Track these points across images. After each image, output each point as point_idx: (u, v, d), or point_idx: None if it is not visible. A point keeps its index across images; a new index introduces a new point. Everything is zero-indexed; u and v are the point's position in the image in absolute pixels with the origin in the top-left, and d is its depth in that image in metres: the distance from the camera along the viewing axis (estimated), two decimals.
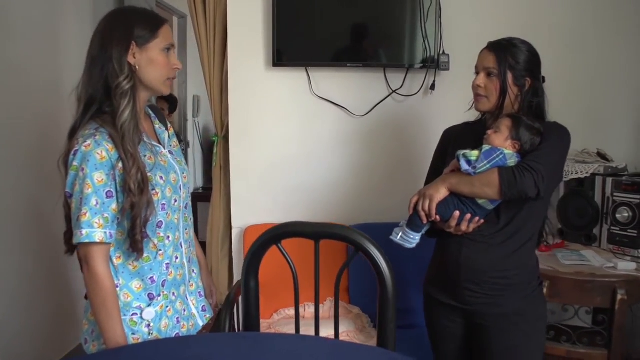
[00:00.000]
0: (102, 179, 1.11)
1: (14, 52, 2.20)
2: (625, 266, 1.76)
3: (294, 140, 2.27)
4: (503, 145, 1.32)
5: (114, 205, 1.13)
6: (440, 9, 2.13)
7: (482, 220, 1.35)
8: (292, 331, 1.66)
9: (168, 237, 1.23)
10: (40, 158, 2.31)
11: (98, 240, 1.10)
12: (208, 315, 1.38)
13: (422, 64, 2.17)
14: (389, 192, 2.24)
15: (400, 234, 1.40)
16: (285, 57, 2.16)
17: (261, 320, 1.17)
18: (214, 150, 2.50)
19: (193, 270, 1.35)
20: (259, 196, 2.29)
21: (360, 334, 1.93)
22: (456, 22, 2.17)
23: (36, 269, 2.33)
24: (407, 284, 1.86)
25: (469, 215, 1.33)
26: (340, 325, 1.24)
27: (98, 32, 1.18)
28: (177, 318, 1.26)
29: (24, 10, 2.27)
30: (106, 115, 1.15)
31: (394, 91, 2.23)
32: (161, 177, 1.21)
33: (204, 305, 1.37)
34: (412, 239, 1.39)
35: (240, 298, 1.75)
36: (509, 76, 1.35)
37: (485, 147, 1.31)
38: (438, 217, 1.34)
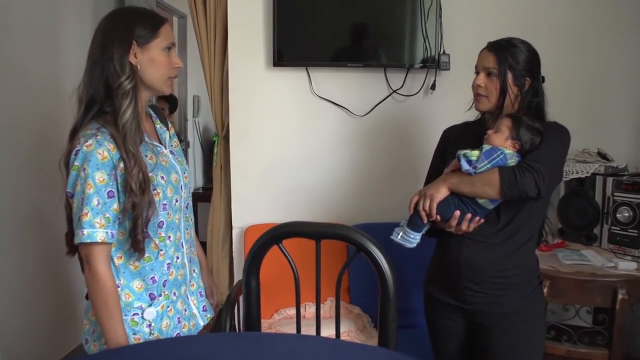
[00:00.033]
0: (104, 179, 1.11)
1: (14, 52, 2.20)
2: (626, 266, 1.76)
3: (294, 140, 2.27)
4: (503, 145, 1.32)
5: (115, 205, 1.13)
6: (440, 8, 2.13)
7: (482, 220, 1.35)
8: (293, 331, 1.66)
9: (169, 237, 1.23)
10: (40, 158, 2.31)
11: (99, 240, 1.10)
12: (209, 315, 1.38)
13: (422, 64, 2.17)
14: (389, 191, 2.24)
15: (401, 233, 1.41)
16: (285, 57, 2.16)
17: (262, 320, 1.17)
18: (215, 150, 2.50)
19: (194, 270, 1.35)
20: (260, 196, 2.29)
21: (361, 334, 1.93)
22: (456, 22, 2.17)
23: (36, 269, 2.33)
24: (407, 284, 1.86)
25: (469, 215, 1.33)
26: (341, 325, 1.24)
27: (98, 32, 1.18)
28: (178, 318, 1.26)
29: (24, 10, 2.27)
30: (107, 115, 1.15)
31: (394, 91, 2.23)
32: (162, 177, 1.21)
33: (204, 305, 1.37)
34: (413, 239, 1.39)
35: (240, 298, 1.75)
36: (509, 76, 1.35)
37: (486, 147, 1.31)
38: (438, 216, 1.34)
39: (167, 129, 1.34)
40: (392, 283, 1.02)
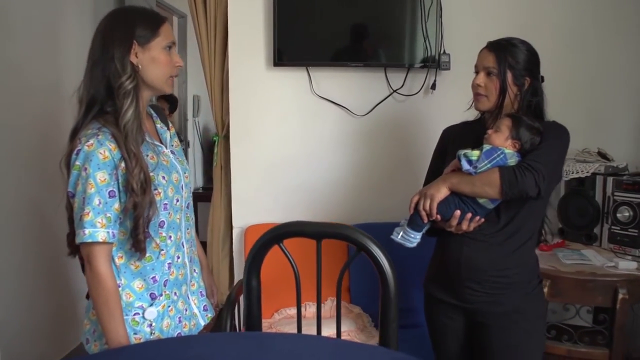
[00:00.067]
0: (105, 179, 1.11)
1: (14, 52, 2.20)
2: (626, 265, 1.76)
3: (294, 140, 2.27)
4: (503, 144, 1.32)
5: (116, 205, 1.13)
6: (441, 8, 2.14)
7: (482, 220, 1.35)
8: (293, 330, 1.66)
9: (170, 236, 1.23)
10: (40, 159, 2.31)
11: (101, 240, 1.10)
12: (209, 315, 1.38)
13: (422, 64, 2.17)
14: (390, 191, 2.24)
15: (401, 233, 1.41)
16: (285, 56, 2.16)
17: (262, 320, 1.16)
18: (215, 150, 2.50)
19: (194, 270, 1.35)
20: (260, 196, 2.29)
21: (361, 334, 1.94)
22: (457, 22, 2.17)
23: (37, 268, 2.33)
24: (408, 284, 1.86)
25: (469, 215, 1.33)
26: (341, 324, 1.24)
27: (99, 32, 1.18)
28: (179, 318, 1.26)
29: (24, 10, 2.26)
30: (108, 115, 1.15)
31: (394, 91, 2.23)
32: (163, 177, 1.21)
33: (205, 305, 1.37)
34: (413, 238, 1.39)
35: (241, 297, 1.75)
36: (509, 75, 1.36)
37: (486, 147, 1.32)
38: (439, 216, 1.34)
39: (168, 129, 1.34)
40: (393, 283, 1.02)
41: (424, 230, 1.40)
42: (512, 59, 1.35)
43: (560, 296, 1.73)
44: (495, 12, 2.19)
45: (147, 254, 1.17)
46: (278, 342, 0.95)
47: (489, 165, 1.29)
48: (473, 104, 1.44)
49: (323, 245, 1.07)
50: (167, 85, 1.23)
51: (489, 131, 1.36)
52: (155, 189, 1.17)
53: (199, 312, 1.34)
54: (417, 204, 1.37)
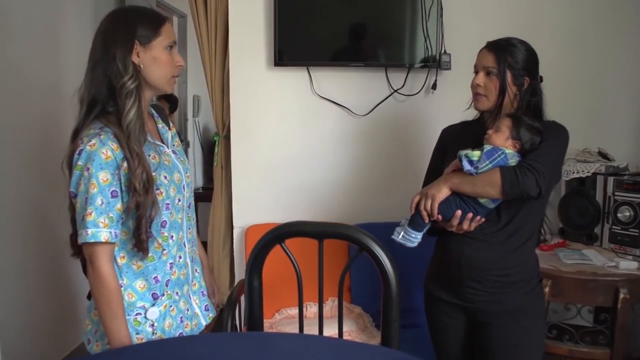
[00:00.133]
0: (107, 179, 1.10)
1: (14, 52, 2.20)
2: (627, 265, 1.77)
3: (295, 140, 2.27)
4: (504, 144, 1.32)
5: (118, 205, 1.13)
6: (441, 8, 2.14)
7: (483, 219, 1.35)
8: (295, 330, 1.66)
9: (172, 236, 1.23)
10: (41, 159, 2.30)
11: (103, 240, 1.10)
12: (211, 315, 1.38)
13: (423, 64, 2.17)
14: (390, 191, 2.24)
15: (402, 233, 1.41)
16: (286, 56, 2.16)
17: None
18: (215, 150, 2.50)
19: (196, 270, 1.35)
20: (261, 196, 2.29)
21: (362, 334, 1.94)
22: (457, 22, 2.17)
23: (37, 269, 2.33)
24: (409, 283, 1.86)
25: (470, 214, 1.33)
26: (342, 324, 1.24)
27: (100, 32, 1.18)
28: (181, 317, 1.26)
29: (24, 10, 2.26)
30: (110, 115, 1.14)
31: (395, 91, 2.23)
32: (165, 177, 1.21)
33: (206, 305, 1.37)
34: (414, 238, 1.39)
35: (242, 297, 1.75)
36: (508, 75, 1.36)
37: (487, 147, 1.32)
38: (440, 216, 1.34)
39: (169, 129, 1.34)
40: (395, 282, 1.02)
41: (424, 230, 1.40)
42: (511, 59, 1.36)
43: (562, 296, 1.74)
44: (496, 12, 2.19)
45: (149, 254, 1.17)
46: (280, 342, 0.95)
47: (490, 166, 1.29)
48: (472, 104, 1.44)
49: (323, 245, 1.07)
50: (168, 85, 1.23)
51: (490, 131, 1.36)
52: (157, 189, 1.17)
53: (201, 312, 1.34)
54: (418, 204, 1.37)
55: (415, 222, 1.38)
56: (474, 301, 1.39)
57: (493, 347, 1.39)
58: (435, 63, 2.16)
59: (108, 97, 1.15)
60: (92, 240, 1.09)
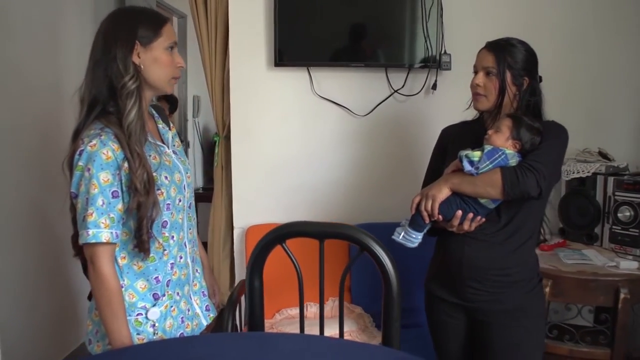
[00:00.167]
0: (108, 179, 1.10)
1: (14, 52, 2.19)
2: (628, 265, 1.77)
3: (295, 140, 2.27)
4: (504, 145, 1.32)
5: (119, 205, 1.13)
6: (441, 8, 2.14)
7: (483, 219, 1.35)
8: (295, 331, 1.66)
9: (172, 236, 1.23)
10: (41, 159, 2.30)
11: (104, 241, 1.10)
12: (212, 315, 1.38)
13: (423, 64, 2.17)
14: (391, 191, 2.24)
15: (403, 233, 1.41)
16: (286, 57, 2.16)
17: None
18: (216, 151, 2.50)
19: (197, 270, 1.35)
20: (261, 196, 2.29)
21: (363, 334, 1.94)
22: (458, 22, 2.18)
23: (38, 269, 2.32)
24: (410, 283, 1.86)
25: (471, 215, 1.33)
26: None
27: (101, 32, 1.18)
28: (182, 318, 1.26)
29: (24, 10, 2.26)
30: (111, 115, 1.14)
31: (395, 91, 2.23)
32: (166, 177, 1.21)
33: (207, 305, 1.37)
34: (415, 239, 1.40)
35: (242, 298, 1.75)
36: (508, 75, 1.36)
37: (487, 148, 1.32)
38: (441, 216, 1.35)
39: (169, 129, 1.34)
40: (396, 282, 1.02)
41: (425, 230, 1.40)
42: (511, 59, 1.36)
43: (562, 296, 1.74)
44: (496, 12, 2.19)
45: (150, 254, 1.17)
46: (281, 342, 0.96)
47: (490, 166, 1.30)
48: (472, 104, 1.45)
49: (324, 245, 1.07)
50: (169, 86, 1.23)
51: (490, 131, 1.36)
52: (158, 189, 1.17)
53: (201, 312, 1.34)
54: (418, 204, 1.37)
55: (415, 222, 1.38)
56: (474, 301, 1.39)
57: (493, 346, 1.39)
58: (435, 63, 2.16)
59: (109, 97, 1.15)
60: (93, 241, 1.09)
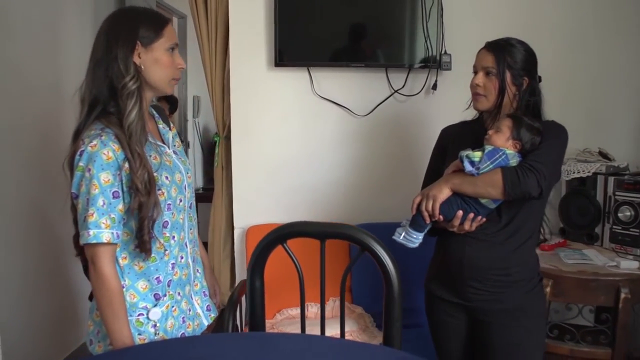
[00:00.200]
0: (109, 180, 1.10)
1: (14, 52, 2.19)
2: (628, 265, 1.77)
3: (296, 140, 2.27)
4: (504, 145, 1.33)
5: (120, 206, 1.13)
6: (442, 8, 2.14)
7: (484, 219, 1.35)
8: (296, 331, 1.66)
9: (173, 237, 1.23)
10: (41, 159, 2.30)
11: (105, 241, 1.10)
12: (213, 315, 1.38)
13: (424, 64, 2.17)
14: (391, 191, 2.24)
15: (403, 233, 1.41)
16: (286, 57, 2.16)
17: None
18: (216, 151, 2.50)
19: (197, 270, 1.35)
20: (261, 196, 2.29)
21: (363, 334, 1.94)
22: (458, 22, 2.18)
23: (38, 269, 2.32)
24: (410, 283, 1.86)
25: (472, 215, 1.33)
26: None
27: (101, 33, 1.18)
28: (183, 318, 1.26)
29: (24, 10, 2.26)
30: (111, 115, 1.14)
31: (395, 91, 2.23)
32: (167, 177, 1.21)
33: (208, 305, 1.37)
34: (415, 239, 1.40)
35: (242, 298, 1.75)
36: (508, 75, 1.36)
37: (488, 148, 1.32)
38: (441, 217, 1.35)
39: (170, 129, 1.34)
40: (397, 282, 1.02)
41: (426, 231, 1.40)
42: (510, 59, 1.36)
43: (563, 296, 1.74)
44: (496, 12, 2.19)
45: (152, 255, 1.17)
46: (282, 342, 0.96)
47: (491, 166, 1.30)
48: (472, 104, 1.45)
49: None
50: (169, 87, 1.23)
51: (490, 132, 1.36)
52: (159, 190, 1.17)
53: (202, 312, 1.34)
54: (419, 204, 1.38)
55: (416, 222, 1.38)
56: (475, 300, 1.39)
57: (493, 346, 1.40)
58: (435, 63, 2.16)
59: (109, 97, 1.15)
60: (94, 241, 1.09)
